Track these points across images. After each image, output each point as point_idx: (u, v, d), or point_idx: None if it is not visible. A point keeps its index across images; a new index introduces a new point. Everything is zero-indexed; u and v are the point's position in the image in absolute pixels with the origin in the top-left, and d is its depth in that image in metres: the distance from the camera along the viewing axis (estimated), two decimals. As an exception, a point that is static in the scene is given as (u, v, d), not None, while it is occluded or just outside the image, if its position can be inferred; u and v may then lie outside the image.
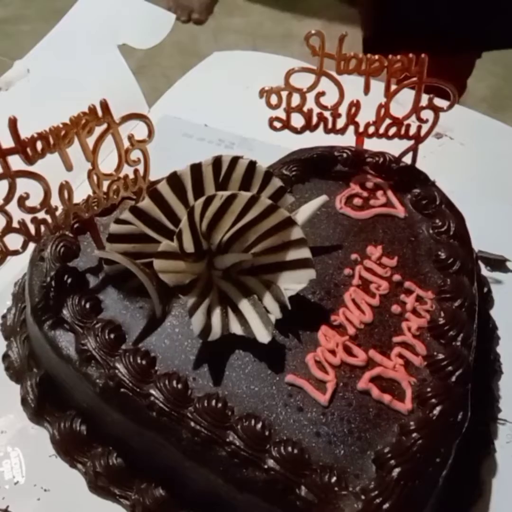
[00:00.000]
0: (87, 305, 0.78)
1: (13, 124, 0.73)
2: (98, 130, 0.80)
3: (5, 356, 0.88)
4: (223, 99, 1.31)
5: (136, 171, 0.86)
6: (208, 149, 1.22)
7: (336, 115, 0.95)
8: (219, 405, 0.70)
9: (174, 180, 0.78)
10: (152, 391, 0.70)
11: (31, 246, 0.80)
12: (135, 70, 1.34)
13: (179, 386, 0.71)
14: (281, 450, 0.66)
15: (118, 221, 0.78)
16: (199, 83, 1.37)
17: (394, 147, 0.98)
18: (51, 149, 0.77)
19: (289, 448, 0.66)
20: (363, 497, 0.64)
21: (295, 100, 0.94)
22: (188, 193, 0.80)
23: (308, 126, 0.96)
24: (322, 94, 0.93)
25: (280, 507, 0.65)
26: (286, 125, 0.96)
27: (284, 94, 0.94)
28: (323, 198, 0.86)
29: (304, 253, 0.77)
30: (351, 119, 0.95)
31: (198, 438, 0.68)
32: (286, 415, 0.70)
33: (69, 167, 0.79)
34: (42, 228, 0.80)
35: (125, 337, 0.76)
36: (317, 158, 0.98)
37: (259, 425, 0.68)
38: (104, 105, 0.80)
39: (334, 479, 0.65)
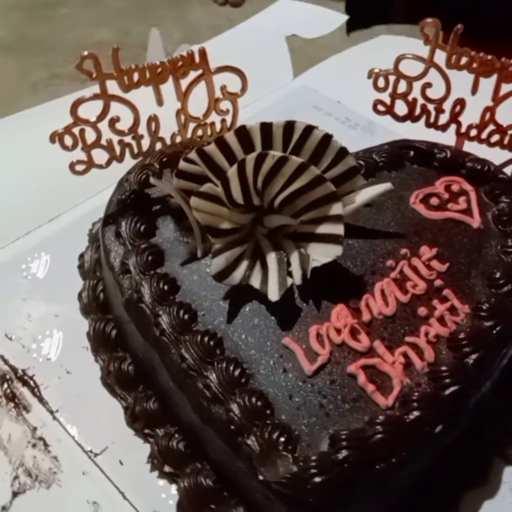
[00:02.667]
0: (142, 228, 0.86)
1: (115, 52, 0.83)
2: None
3: (81, 256, 1.00)
4: (364, 80, 1.31)
5: (223, 121, 0.93)
6: (331, 124, 1.24)
7: (439, 110, 0.93)
8: (212, 343, 0.74)
9: (242, 132, 0.82)
10: (161, 313, 0.77)
11: (114, 166, 0.90)
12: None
13: (186, 316, 0.77)
14: (246, 397, 0.69)
15: (187, 159, 0.85)
16: (352, 62, 1.39)
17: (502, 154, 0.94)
18: (146, 82, 0.85)
19: (254, 399, 0.69)
20: (301, 464, 0.65)
21: (402, 87, 0.94)
22: (256, 149, 0.83)
23: (410, 116, 0.95)
24: (429, 85, 0.91)
25: (229, 447, 0.69)
26: (389, 110, 0.96)
27: (392, 79, 0.94)
28: (386, 186, 0.85)
29: (337, 229, 0.77)
30: (454, 118, 0.92)
31: (184, 364, 0.73)
32: (269, 371, 0.73)
33: (160, 102, 0.88)
34: (127, 151, 0.90)
35: (163, 262, 0.84)
36: (413, 150, 0.97)
37: (237, 371, 0.72)
38: (202, 52, 0.87)
39: (282, 439, 0.67)
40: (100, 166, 0.89)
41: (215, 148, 0.83)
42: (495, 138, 0.91)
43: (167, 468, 0.77)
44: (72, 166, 0.88)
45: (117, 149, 0.89)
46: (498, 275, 0.81)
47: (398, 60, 0.92)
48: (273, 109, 1.25)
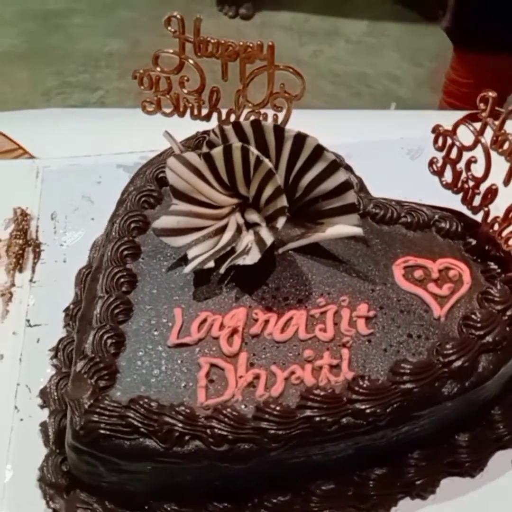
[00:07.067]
0: (143, 199, 0.93)
1: (197, 22, 0.93)
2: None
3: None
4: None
5: (275, 116, 0.97)
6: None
7: (474, 190, 0.85)
8: (123, 280, 0.83)
9: (257, 126, 0.86)
10: (114, 241, 0.87)
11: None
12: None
13: (126, 252, 0.86)
14: (106, 331, 0.78)
15: (214, 132, 0.92)
16: None
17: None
18: (216, 55, 0.95)
19: (109, 335, 0.77)
20: (94, 401, 0.72)
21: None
22: (269, 147, 0.87)
23: (453, 186, 0.89)
24: (473, 160, 0.84)
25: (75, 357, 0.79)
26: (439, 172, 0.91)
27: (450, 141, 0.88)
28: (355, 230, 0.83)
29: (267, 238, 0.80)
30: (485, 203, 0.84)
31: (96, 287, 0.84)
32: (144, 325, 0.80)
33: (225, 78, 0.97)
34: (188, 110, 1.01)
35: (154, 207, 0.93)
36: (447, 222, 0.90)
37: (119, 310, 0.80)
38: (271, 47, 0.92)
39: (101, 374, 0.74)
40: (164, 113, 1.02)
41: (232, 130, 0.89)
42: (512, 242, 0.81)
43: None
44: (143, 104, 1.02)
45: (181, 105, 1.01)
46: (406, 366, 0.75)
47: (457, 124, 0.86)
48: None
